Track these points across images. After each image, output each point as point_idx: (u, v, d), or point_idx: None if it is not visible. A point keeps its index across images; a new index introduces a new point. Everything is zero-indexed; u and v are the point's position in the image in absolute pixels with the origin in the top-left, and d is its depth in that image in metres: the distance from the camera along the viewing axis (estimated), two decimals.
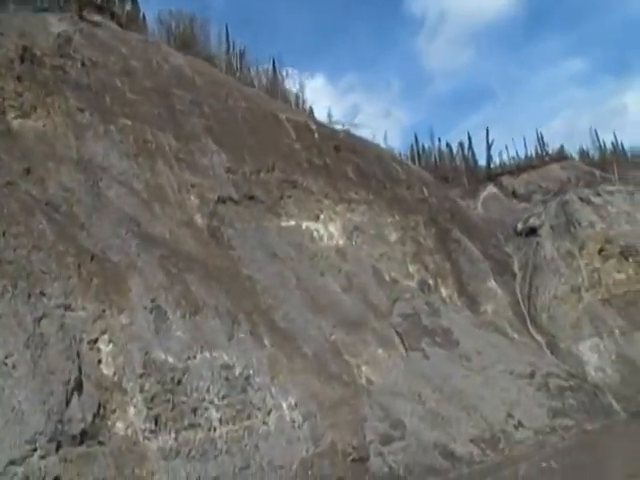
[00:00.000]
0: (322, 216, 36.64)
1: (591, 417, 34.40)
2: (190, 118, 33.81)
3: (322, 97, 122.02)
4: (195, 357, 20.74)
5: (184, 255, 25.32)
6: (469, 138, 75.57)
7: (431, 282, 39.66)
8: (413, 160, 70.97)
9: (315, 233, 35.47)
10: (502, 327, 39.64)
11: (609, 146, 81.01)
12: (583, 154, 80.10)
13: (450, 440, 27.17)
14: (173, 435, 18.74)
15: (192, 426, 19.42)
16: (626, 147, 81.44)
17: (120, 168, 27.27)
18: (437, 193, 48.15)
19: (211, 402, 20.32)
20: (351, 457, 23.22)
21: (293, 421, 22.57)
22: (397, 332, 33.29)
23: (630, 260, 44.88)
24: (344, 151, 41.94)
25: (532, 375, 34.98)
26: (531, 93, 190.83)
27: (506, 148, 78.28)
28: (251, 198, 33.16)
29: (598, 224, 46.13)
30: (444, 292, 39.88)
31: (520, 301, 43.24)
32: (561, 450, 29.15)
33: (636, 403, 37.24)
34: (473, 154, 75.37)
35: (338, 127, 47.93)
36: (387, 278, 37.14)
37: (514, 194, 65.56)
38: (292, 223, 34.56)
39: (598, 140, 79.75)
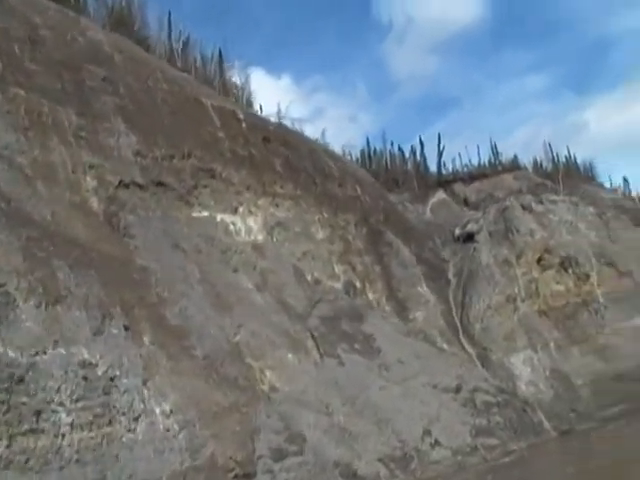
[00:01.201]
0: (241, 209, 34.13)
1: (518, 436, 32.19)
2: (101, 96, 31.04)
3: (287, 97, 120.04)
4: (45, 352, 17.86)
5: (62, 239, 22.49)
6: (421, 143, 73.76)
7: (358, 285, 37.28)
8: (364, 163, 69.06)
9: (231, 226, 32.93)
10: (431, 336, 37.29)
11: (563, 159, 79.63)
12: (537, 166, 78.83)
13: (354, 458, 24.58)
14: (5, 442, 15.88)
15: (33, 432, 16.56)
16: (579, 161, 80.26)
17: (3, 141, 24.42)
18: (372, 192, 45.81)
19: (61, 404, 17.48)
20: (233, 473, 20.57)
21: (167, 429, 19.82)
22: (313, 336, 30.73)
23: (570, 272, 43.06)
24: (274, 143, 39.45)
25: (458, 389, 32.61)
26: (495, 104, 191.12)
27: (459, 155, 76.49)
28: (160, 185, 30.53)
29: (538, 232, 44.15)
30: (371, 296, 37.52)
31: (453, 309, 41.04)
32: (480, 472, 26.81)
33: (568, 421, 35.30)
34: (424, 159, 73.60)
35: (287, 122, 46.00)
36: (309, 278, 34.70)
37: (465, 202, 64.21)
38: (205, 214, 32.00)
39: (552, 152, 78.50)
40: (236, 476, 20.53)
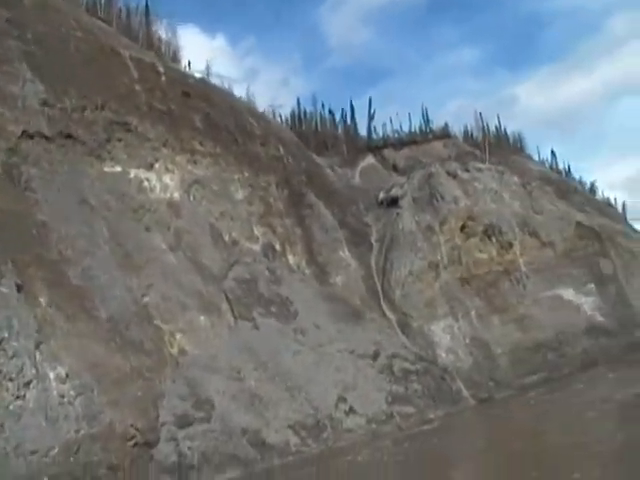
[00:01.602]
0: (157, 165, 32.54)
1: (436, 404, 31.74)
2: (5, 39, 29.02)
3: (221, 57, 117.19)
4: None
5: None
6: (352, 107, 72.07)
7: (278, 247, 36.11)
8: (294, 125, 67.46)
9: (146, 183, 31.35)
10: (352, 301, 36.38)
11: (493, 130, 79.28)
12: (467, 135, 78.24)
13: (264, 425, 23.73)
14: None
15: None
16: (509, 133, 79.93)
17: None
18: (295, 153, 44.38)
19: None
20: (133, 441, 19.54)
21: (62, 395, 18.66)
22: (227, 298, 29.68)
23: (493, 240, 42.66)
24: (194, 99, 37.78)
25: (376, 356, 31.99)
26: (428, 76, 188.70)
27: (390, 121, 75.20)
28: (68, 137, 28.75)
29: (462, 200, 43.57)
30: (291, 259, 36.40)
31: (374, 275, 40.06)
32: (396, 441, 26.09)
33: (487, 389, 35.03)
34: (355, 124, 72.19)
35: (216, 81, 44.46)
36: (226, 239, 33.41)
37: (394, 167, 63.07)
38: (118, 170, 30.36)
39: (482, 122, 77.96)
40: (136, 444, 19.51)
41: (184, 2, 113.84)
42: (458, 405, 32.82)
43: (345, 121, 72.48)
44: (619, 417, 24.53)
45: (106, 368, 20.50)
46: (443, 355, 35.89)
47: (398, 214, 43.42)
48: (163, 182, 32.30)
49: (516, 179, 48.66)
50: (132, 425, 19.70)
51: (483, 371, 36.13)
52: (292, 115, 70.40)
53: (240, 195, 36.31)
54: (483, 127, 76.96)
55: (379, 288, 39.19)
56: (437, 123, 74.35)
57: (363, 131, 70.62)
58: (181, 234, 30.82)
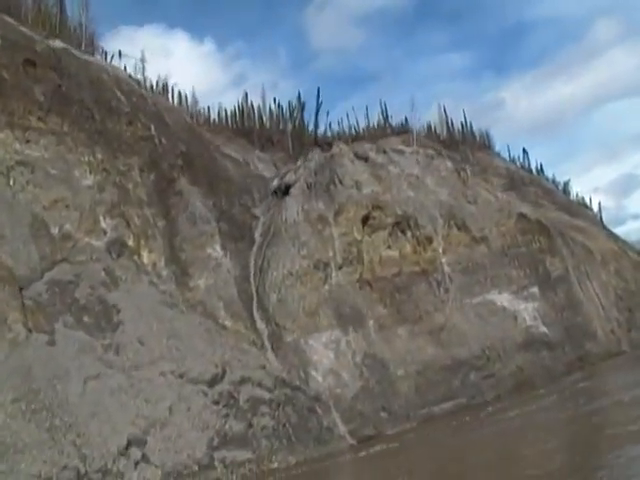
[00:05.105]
0: None
1: (292, 446, 25.23)
2: None
3: (209, 63, 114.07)
4: None
5: None
6: (299, 99, 66.23)
7: (131, 243, 30.11)
8: (242, 118, 62.29)
9: None
10: (212, 309, 29.86)
11: (458, 126, 74.64)
12: (430, 131, 73.37)
13: None
14: None
15: None
16: (475, 129, 75.61)
17: None
18: (175, 134, 37.75)
19: None
20: None
21: None
22: (23, 305, 23.72)
23: (408, 234, 36.19)
24: (42, 68, 31.81)
25: (215, 381, 25.58)
26: (414, 80, 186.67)
27: (347, 115, 69.97)
28: None
29: (367, 186, 36.84)
30: (146, 257, 30.32)
31: (251, 276, 33.71)
32: None
33: (376, 423, 28.78)
34: (303, 119, 66.78)
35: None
36: (54, 232, 27.52)
37: None
38: None
39: (446, 117, 73.24)
40: None
41: (171, 8, 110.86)
42: (327, 446, 26.53)
43: (291, 113, 67.59)
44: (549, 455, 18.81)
45: None
46: (319, 378, 29.36)
47: (286, 202, 36.98)
48: None
49: (449, 164, 42.21)
50: None
51: (374, 399, 29.78)
52: (238, 108, 65.96)
53: (88, 181, 30.44)
54: (447, 123, 73.56)
55: (254, 292, 32.68)
56: (396, 117, 69.62)
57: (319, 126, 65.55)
58: None
